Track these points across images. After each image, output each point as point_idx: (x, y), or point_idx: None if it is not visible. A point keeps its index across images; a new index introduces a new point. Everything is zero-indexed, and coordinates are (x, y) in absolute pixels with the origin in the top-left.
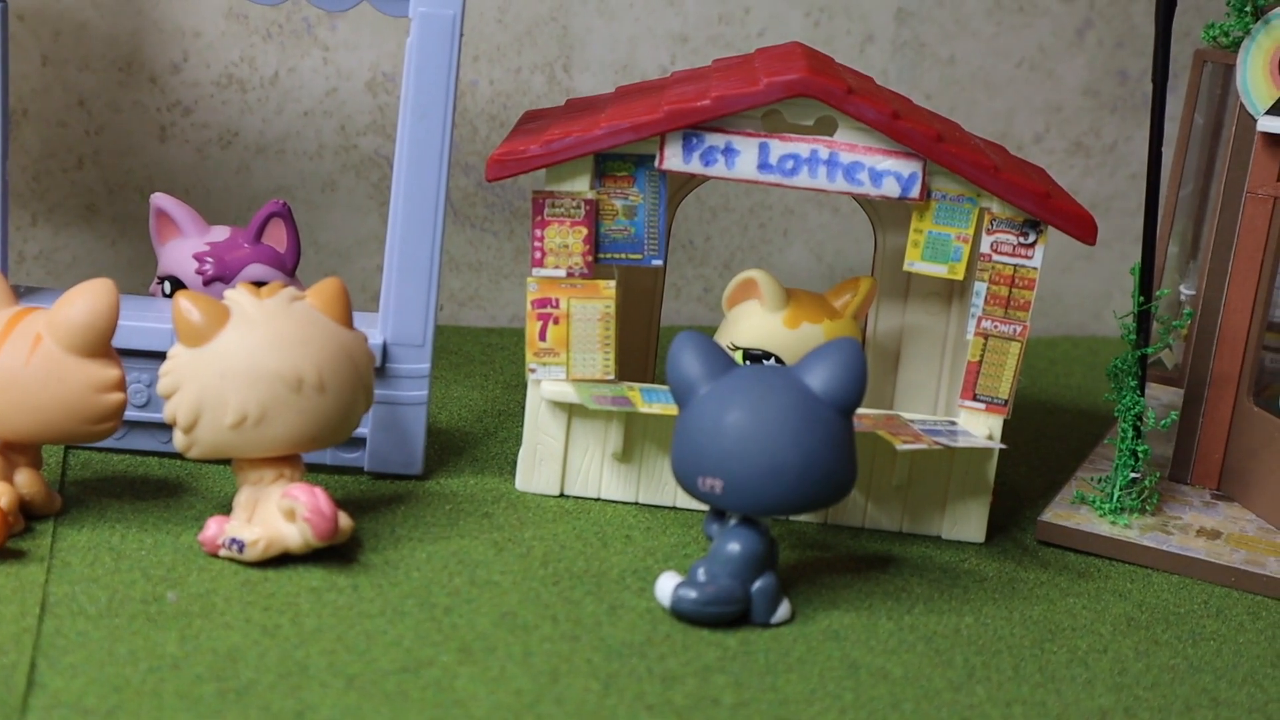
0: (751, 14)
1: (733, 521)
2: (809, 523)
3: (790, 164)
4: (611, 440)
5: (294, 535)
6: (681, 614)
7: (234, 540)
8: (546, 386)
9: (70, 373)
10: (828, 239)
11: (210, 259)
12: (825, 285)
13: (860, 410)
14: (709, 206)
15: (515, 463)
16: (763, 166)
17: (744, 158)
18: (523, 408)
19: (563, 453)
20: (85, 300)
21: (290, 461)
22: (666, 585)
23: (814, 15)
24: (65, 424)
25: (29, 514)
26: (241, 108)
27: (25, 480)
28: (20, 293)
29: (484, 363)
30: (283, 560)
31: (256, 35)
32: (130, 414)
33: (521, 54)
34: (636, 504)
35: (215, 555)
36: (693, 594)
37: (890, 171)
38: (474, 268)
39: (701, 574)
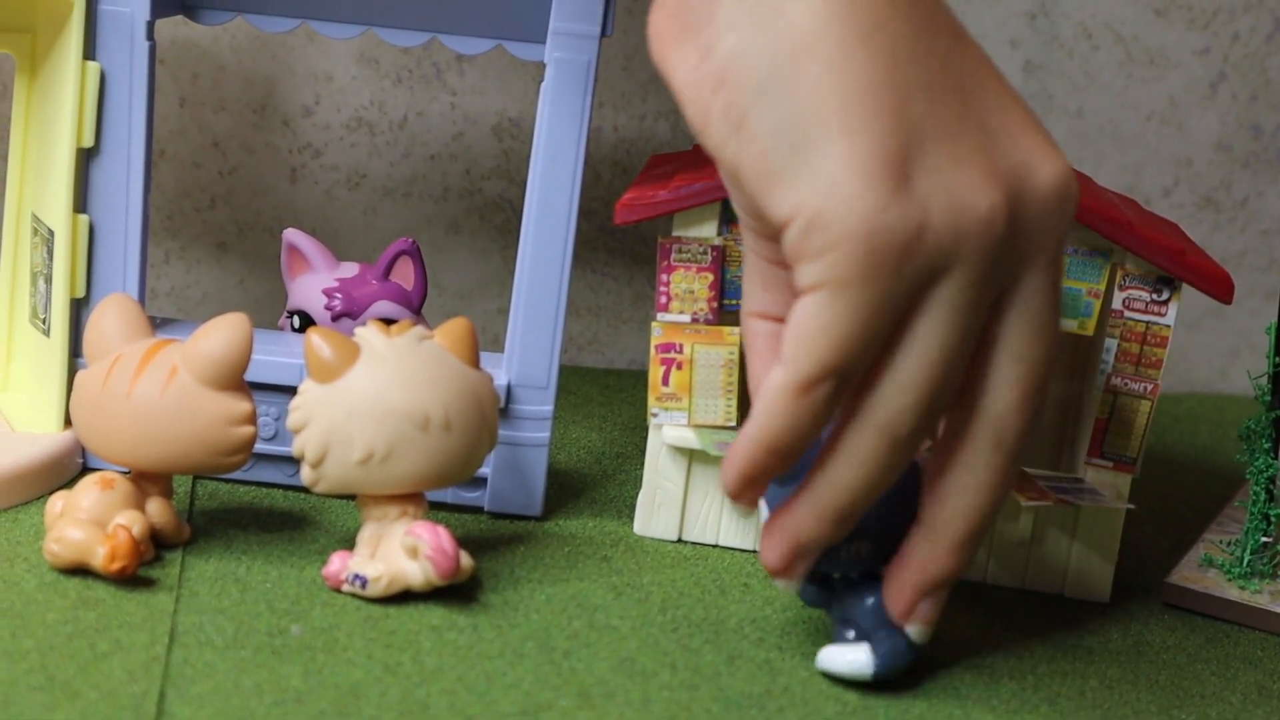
0: None
1: (848, 577)
2: None
3: None
4: None
5: (416, 573)
6: (896, 670)
7: (357, 576)
8: (668, 431)
9: (204, 405)
10: None
11: (339, 295)
12: None
13: None
14: None
15: (633, 506)
16: None
17: None
18: (640, 451)
19: (682, 498)
20: (221, 334)
21: (414, 499)
22: (842, 655)
23: None
24: (197, 455)
25: (158, 543)
26: (370, 150)
27: (156, 509)
28: (156, 324)
29: (602, 404)
30: (404, 597)
31: (387, 80)
32: (258, 447)
33: (646, 101)
34: (755, 552)
35: (338, 590)
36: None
37: None
38: (593, 311)
39: (851, 634)
